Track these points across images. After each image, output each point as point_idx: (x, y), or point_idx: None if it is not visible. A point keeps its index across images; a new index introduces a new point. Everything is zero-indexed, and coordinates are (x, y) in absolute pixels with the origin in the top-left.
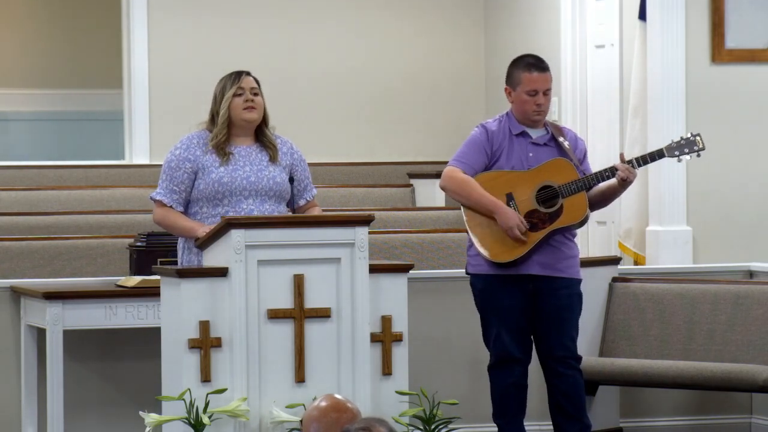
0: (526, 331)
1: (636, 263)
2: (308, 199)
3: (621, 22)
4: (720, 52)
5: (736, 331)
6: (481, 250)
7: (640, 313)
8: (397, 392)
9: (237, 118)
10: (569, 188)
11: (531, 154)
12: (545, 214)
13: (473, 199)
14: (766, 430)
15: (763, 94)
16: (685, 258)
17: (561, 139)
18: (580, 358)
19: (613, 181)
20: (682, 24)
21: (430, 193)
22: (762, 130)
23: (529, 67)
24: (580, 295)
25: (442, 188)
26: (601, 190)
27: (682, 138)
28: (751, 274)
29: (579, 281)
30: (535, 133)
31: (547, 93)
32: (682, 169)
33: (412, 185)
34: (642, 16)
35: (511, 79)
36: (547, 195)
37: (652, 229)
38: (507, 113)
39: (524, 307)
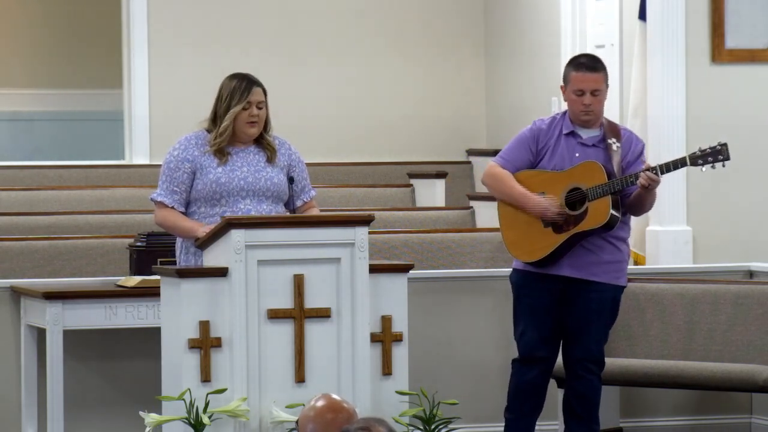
0: (553, 332)
1: (636, 263)
2: (306, 200)
3: (621, 22)
4: (720, 52)
5: (736, 331)
6: (509, 248)
7: (640, 313)
8: (397, 392)
9: (239, 131)
10: (595, 192)
11: (578, 155)
12: (571, 216)
13: (505, 193)
14: (766, 430)
15: (763, 94)
16: (685, 258)
17: (611, 140)
18: (601, 363)
19: None
20: (682, 24)
21: (430, 193)
22: (762, 130)
23: (579, 67)
24: (614, 301)
25: (483, 183)
26: (635, 195)
27: (708, 147)
28: (751, 274)
29: (617, 287)
30: (586, 134)
31: (596, 93)
32: (682, 169)
33: (412, 185)
34: (642, 16)
35: (564, 78)
36: (576, 197)
37: (652, 229)
38: (564, 112)
39: (552, 308)
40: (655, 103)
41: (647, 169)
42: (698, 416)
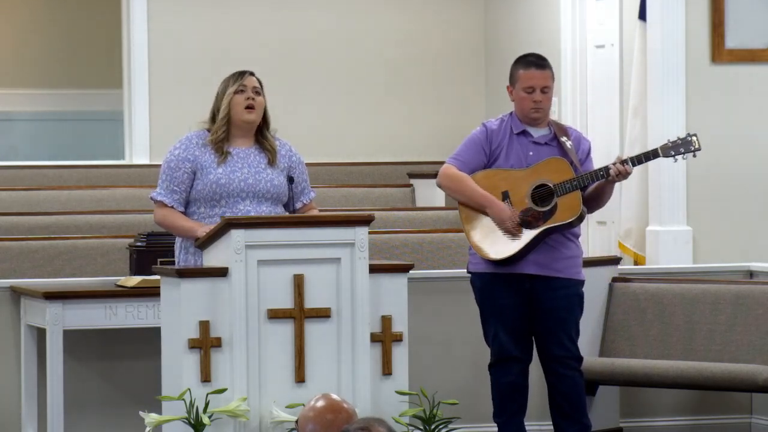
0: (525, 331)
1: (636, 263)
2: (305, 201)
3: (621, 22)
4: (720, 52)
5: (736, 331)
6: (475, 247)
7: (640, 313)
8: (397, 392)
9: (237, 117)
10: (564, 187)
11: (531, 153)
12: (539, 212)
13: (466, 195)
14: (766, 430)
15: (763, 94)
16: (685, 258)
17: (563, 138)
18: (580, 359)
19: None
20: (682, 24)
21: (430, 193)
22: (762, 130)
23: (528, 65)
24: (580, 296)
25: (438, 185)
26: (594, 189)
27: (678, 138)
28: (751, 274)
29: (579, 282)
30: (537, 133)
31: (545, 91)
32: (682, 168)
33: (412, 185)
34: (642, 16)
35: (511, 78)
36: (543, 193)
37: (652, 229)
38: (511, 113)
39: (521, 307)
40: (655, 103)
41: (622, 162)
42: (698, 416)
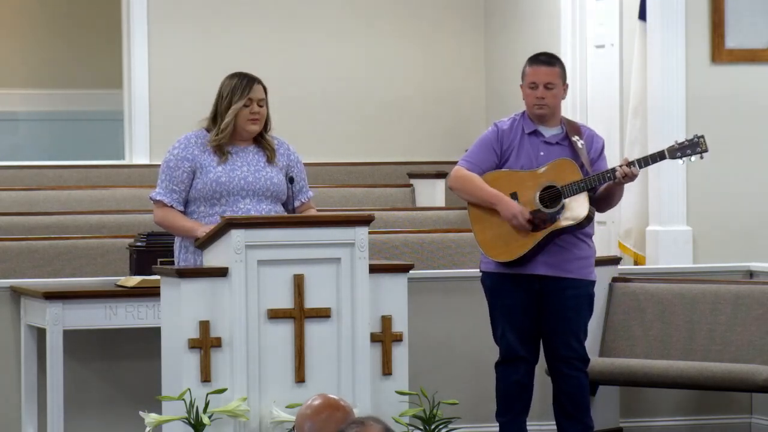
0: (532, 331)
1: (636, 263)
2: (303, 200)
3: (621, 22)
4: (720, 52)
5: (736, 331)
6: (483, 248)
7: (640, 313)
8: (397, 392)
9: (240, 127)
10: (571, 189)
11: (542, 153)
12: (547, 214)
13: (476, 195)
14: (766, 430)
15: (763, 94)
16: (685, 258)
17: (575, 138)
18: (586, 360)
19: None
20: (682, 24)
21: (430, 193)
22: (762, 130)
23: (533, 61)
24: (590, 297)
25: (450, 188)
26: (604, 190)
27: (686, 140)
28: (751, 274)
29: (590, 282)
30: (548, 132)
31: (549, 87)
32: (682, 169)
33: (412, 185)
34: (642, 16)
35: (522, 76)
36: (550, 195)
37: (652, 229)
38: (523, 112)
39: (530, 307)
40: (655, 103)
41: (629, 164)
42: (698, 416)
